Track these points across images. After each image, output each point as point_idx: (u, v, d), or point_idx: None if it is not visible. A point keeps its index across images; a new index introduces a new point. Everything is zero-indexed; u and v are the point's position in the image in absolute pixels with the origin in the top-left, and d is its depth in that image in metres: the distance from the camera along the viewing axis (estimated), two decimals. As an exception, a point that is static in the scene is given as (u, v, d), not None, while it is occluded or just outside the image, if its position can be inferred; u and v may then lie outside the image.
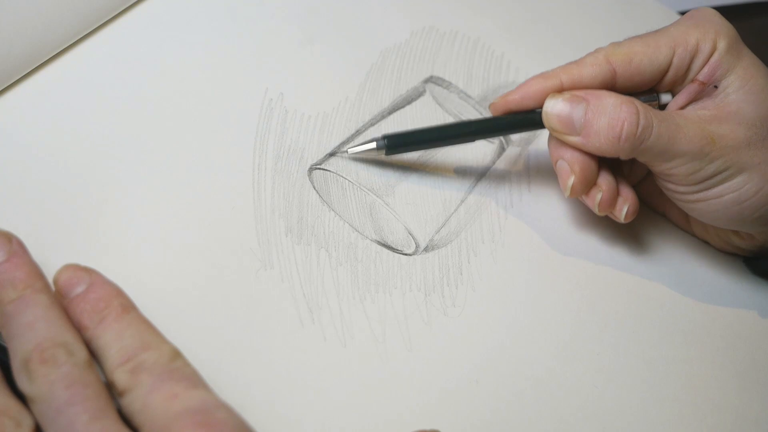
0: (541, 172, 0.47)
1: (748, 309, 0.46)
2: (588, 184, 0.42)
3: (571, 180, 0.42)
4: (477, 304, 0.41)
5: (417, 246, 0.42)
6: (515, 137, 0.47)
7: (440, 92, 0.47)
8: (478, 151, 0.46)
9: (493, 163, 0.46)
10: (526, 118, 0.43)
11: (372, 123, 0.45)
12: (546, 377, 0.40)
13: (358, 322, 0.39)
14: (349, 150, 0.43)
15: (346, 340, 0.38)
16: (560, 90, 0.42)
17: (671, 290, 0.45)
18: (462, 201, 0.44)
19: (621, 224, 0.45)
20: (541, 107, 0.42)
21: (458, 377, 0.39)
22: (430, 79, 0.48)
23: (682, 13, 0.59)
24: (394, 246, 0.41)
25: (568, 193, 0.42)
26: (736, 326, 0.45)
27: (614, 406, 0.40)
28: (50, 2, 0.41)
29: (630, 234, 0.46)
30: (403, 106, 0.46)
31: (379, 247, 0.41)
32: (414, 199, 0.43)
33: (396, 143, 0.42)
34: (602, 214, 0.43)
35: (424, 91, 0.47)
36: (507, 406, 0.38)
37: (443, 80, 0.48)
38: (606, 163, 0.42)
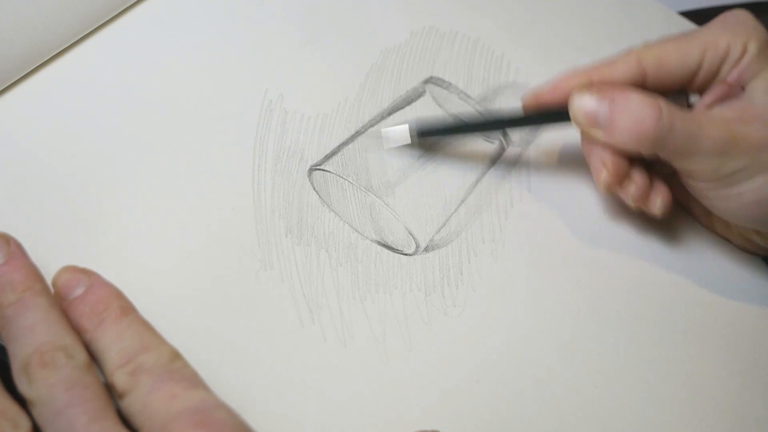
0: (541, 172, 0.47)
1: (749, 308, 0.46)
2: (620, 179, 0.43)
3: (605, 177, 0.42)
4: (477, 304, 0.41)
5: (417, 246, 0.42)
6: (515, 137, 0.47)
7: (440, 93, 0.47)
8: (478, 151, 0.46)
9: (493, 163, 0.46)
10: (555, 115, 0.43)
11: (372, 123, 0.45)
12: (546, 377, 0.40)
13: (359, 322, 0.39)
14: (382, 130, 0.43)
15: (347, 340, 0.38)
16: (589, 87, 0.42)
17: (672, 290, 0.45)
18: (462, 201, 0.44)
19: (621, 224, 0.45)
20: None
21: (458, 377, 0.39)
22: (429, 80, 0.48)
23: (683, 14, 0.59)
24: (394, 246, 0.41)
25: (601, 187, 0.43)
26: (737, 325, 0.45)
27: (614, 406, 0.40)
28: (50, 2, 0.41)
29: (631, 234, 0.46)
30: (403, 107, 0.46)
31: (379, 248, 0.41)
32: (414, 199, 0.43)
33: (428, 129, 0.43)
34: (636, 207, 0.44)
35: (424, 91, 0.47)
36: (507, 406, 0.38)
37: (443, 81, 0.48)
38: (638, 157, 0.43)
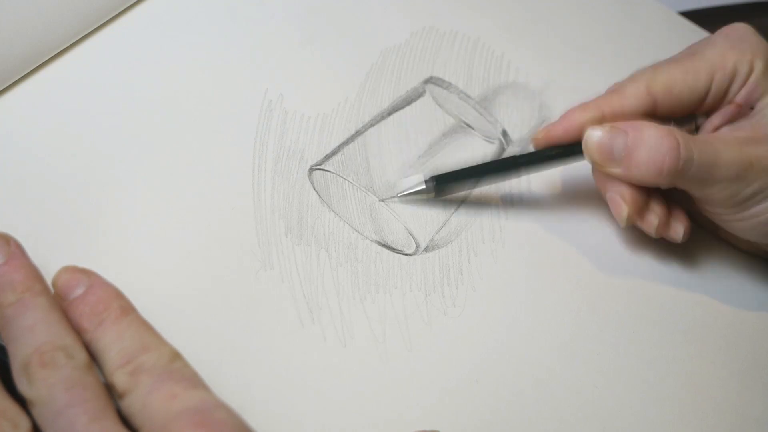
0: (541, 172, 0.47)
1: (749, 308, 0.46)
2: (640, 211, 0.42)
3: (625, 211, 0.42)
4: (477, 304, 0.41)
5: (417, 246, 0.42)
6: (516, 137, 0.47)
7: (440, 93, 0.47)
8: (478, 152, 0.46)
9: (493, 163, 0.46)
10: (569, 151, 0.43)
11: (372, 123, 0.45)
12: (546, 377, 0.40)
13: (359, 322, 0.39)
14: (398, 194, 0.43)
15: (347, 340, 0.38)
16: (601, 121, 0.42)
17: (671, 290, 0.45)
18: (462, 201, 0.44)
19: (623, 228, 0.45)
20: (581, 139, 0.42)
21: (458, 377, 0.39)
22: (429, 80, 0.48)
23: (683, 14, 0.59)
24: (394, 246, 0.41)
25: (623, 224, 0.42)
26: (736, 325, 0.45)
27: (614, 406, 0.40)
28: (50, 2, 0.41)
29: (631, 234, 0.46)
30: (403, 107, 0.46)
31: (379, 248, 0.41)
32: (414, 200, 0.43)
33: (444, 181, 0.43)
34: (658, 237, 0.43)
35: (424, 91, 0.47)
36: (507, 406, 0.38)
37: (443, 81, 0.48)
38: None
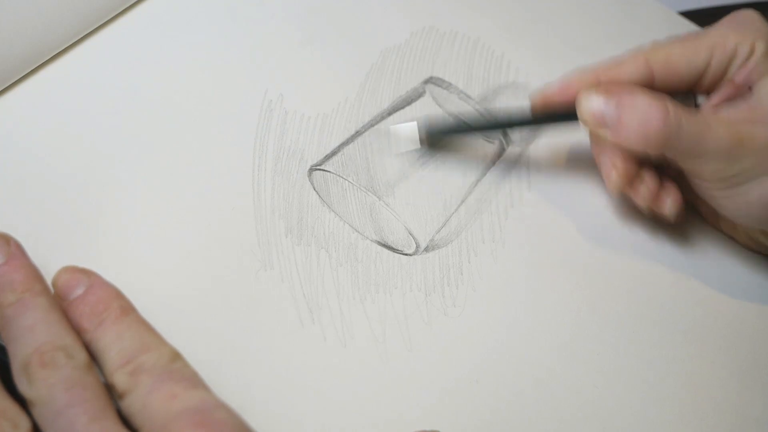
0: (541, 171, 0.47)
1: (749, 307, 0.46)
2: (630, 180, 0.43)
3: (614, 176, 0.43)
4: (477, 304, 0.41)
5: (417, 246, 0.42)
6: (516, 137, 0.47)
7: (440, 93, 0.47)
8: (478, 151, 0.46)
9: (493, 163, 0.46)
10: (563, 115, 0.43)
11: (372, 123, 0.45)
12: (546, 377, 0.40)
13: (359, 322, 0.39)
14: (390, 127, 0.43)
15: (347, 341, 0.38)
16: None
17: (671, 290, 0.45)
18: (462, 201, 0.44)
19: (621, 224, 0.45)
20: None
21: (458, 377, 0.39)
22: (429, 80, 0.48)
23: (683, 14, 0.59)
24: (394, 246, 0.41)
25: (612, 188, 0.43)
26: (736, 325, 0.45)
27: (614, 406, 0.40)
28: (50, 2, 0.41)
29: (631, 234, 0.46)
30: (403, 107, 0.46)
31: (380, 248, 0.41)
32: (414, 199, 0.43)
33: (437, 127, 0.43)
34: (648, 208, 0.44)
35: (424, 91, 0.47)
36: (507, 406, 0.38)
37: (443, 81, 0.48)
38: (647, 159, 0.43)
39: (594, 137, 0.44)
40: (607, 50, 0.51)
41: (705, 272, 0.46)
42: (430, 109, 0.46)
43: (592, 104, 0.41)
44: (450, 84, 0.48)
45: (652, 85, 0.43)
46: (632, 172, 0.43)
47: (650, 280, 0.45)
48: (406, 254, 0.41)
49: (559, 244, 0.45)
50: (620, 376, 0.41)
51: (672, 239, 0.47)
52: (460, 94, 0.48)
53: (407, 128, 0.43)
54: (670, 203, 0.44)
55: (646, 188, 0.43)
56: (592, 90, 0.42)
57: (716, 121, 0.41)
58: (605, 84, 0.43)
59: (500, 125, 0.45)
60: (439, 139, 0.43)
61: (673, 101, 0.41)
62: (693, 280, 0.46)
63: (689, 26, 0.57)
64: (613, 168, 0.43)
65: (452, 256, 0.42)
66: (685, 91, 0.43)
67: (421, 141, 0.43)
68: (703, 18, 0.57)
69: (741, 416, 0.41)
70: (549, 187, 0.47)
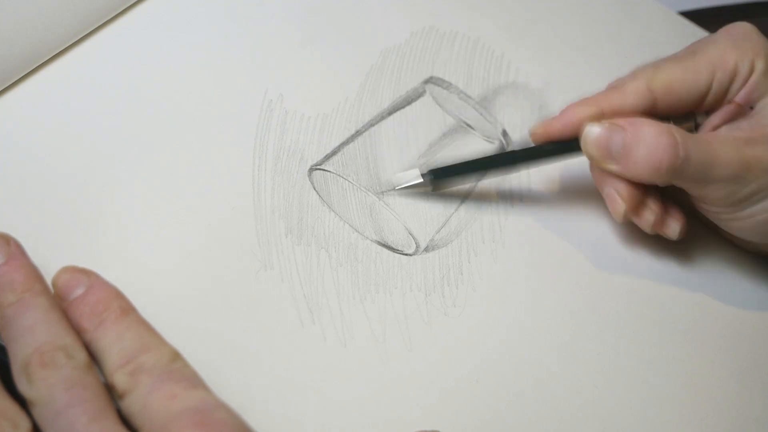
0: (541, 171, 0.47)
1: (749, 308, 0.46)
2: (638, 208, 0.42)
3: (622, 207, 0.42)
4: (477, 304, 0.41)
5: (417, 246, 0.42)
6: (516, 137, 0.47)
7: (440, 93, 0.47)
8: (478, 152, 0.46)
9: (494, 163, 0.46)
10: (567, 147, 0.43)
11: (372, 123, 0.45)
12: (546, 377, 0.40)
13: (359, 322, 0.39)
14: (396, 187, 0.43)
15: (347, 341, 0.38)
16: (600, 118, 0.42)
17: (671, 290, 0.45)
18: (462, 201, 0.44)
19: (621, 224, 0.45)
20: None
21: (458, 377, 0.39)
22: (429, 80, 0.48)
23: (683, 14, 0.59)
24: (394, 246, 0.41)
25: (620, 219, 0.42)
26: (736, 325, 0.45)
27: (614, 406, 0.40)
28: (50, 2, 0.41)
29: (630, 234, 0.46)
30: (402, 107, 0.46)
31: (380, 248, 0.41)
32: (414, 199, 0.43)
33: (441, 175, 0.43)
34: (653, 233, 0.43)
35: (424, 91, 0.47)
36: (507, 406, 0.38)
37: (443, 81, 0.48)
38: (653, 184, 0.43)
39: (597, 169, 0.43)
40: (607, 50, 0.51)
41: (705, 272, 0.46)
42: (430, 109, 0.46)
43: (597, 138, 0.41)
44: (450, 84, 0.48)
45: (654, 110, 0.42)
46: (638, 200, 0.42)
47: (650, 280, 0.45)
48: (406, 254, 0.41)
49: (559, 244, 0.45)
50: (620, 376, 0.41)
51: (672, 240, 0.47)
52: (460, 94, 0.48)
53: (410, 175, 0.43)
54: (676, 227, 0.43)
55: (651, 214, 0.42)
56: (596, 123, 0.41)
57: (722, 145, 0.40)
58: (610, 117, 0.42)
59: (503, 164, 0.44)
60: (442, 182, 0.43)
61: (678, 129, 0.40)
62: (693, 280, 0.46)
63: (689, 26, 0.57)
64: (618, 197, 0.42)
65: (452, 256, 0.42)
66: (686, 113, 0.43)
67: (425, 185, 0.43)
68: (703, 18, 0.57)
69: (741, 416, 0.41)
70: (549, 187, 0.47)
